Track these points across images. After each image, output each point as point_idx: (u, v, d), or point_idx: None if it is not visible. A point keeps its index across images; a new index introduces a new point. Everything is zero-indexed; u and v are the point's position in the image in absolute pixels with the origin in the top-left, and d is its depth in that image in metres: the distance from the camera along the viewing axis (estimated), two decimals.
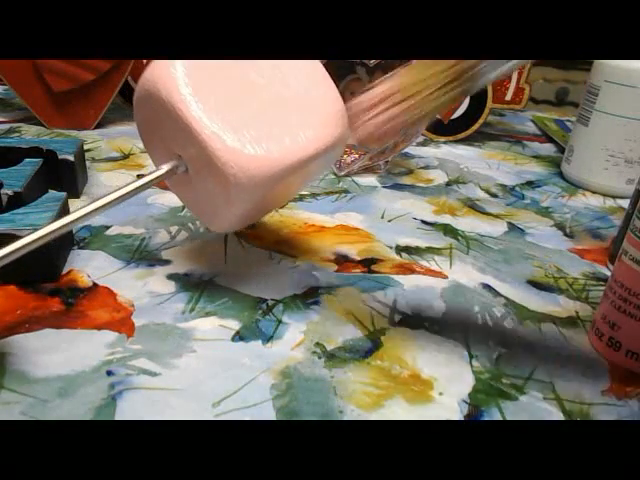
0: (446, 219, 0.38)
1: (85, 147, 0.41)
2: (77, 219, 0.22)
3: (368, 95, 0.22)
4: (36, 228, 0.21)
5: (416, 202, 0.41)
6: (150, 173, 0.24)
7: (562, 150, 0.55)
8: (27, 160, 0.32)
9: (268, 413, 0.20)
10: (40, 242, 0.21)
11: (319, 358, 0.23)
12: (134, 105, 0.25)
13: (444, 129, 0.57)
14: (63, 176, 0.35)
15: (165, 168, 0.24)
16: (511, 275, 0.31)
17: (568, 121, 0.70)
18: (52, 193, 0.29)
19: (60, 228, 0.21)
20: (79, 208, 0.22)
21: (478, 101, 0.55)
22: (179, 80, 0.22)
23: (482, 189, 0.45)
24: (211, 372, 0.22)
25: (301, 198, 0.39)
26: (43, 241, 0.21)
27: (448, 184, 0.45)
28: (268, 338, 0.24)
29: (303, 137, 0.24)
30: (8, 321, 0.24)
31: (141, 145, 0.27)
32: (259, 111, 0.23)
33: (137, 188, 0.23)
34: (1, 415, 0.19)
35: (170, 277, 0.28)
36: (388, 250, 0.33)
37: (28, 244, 0.20)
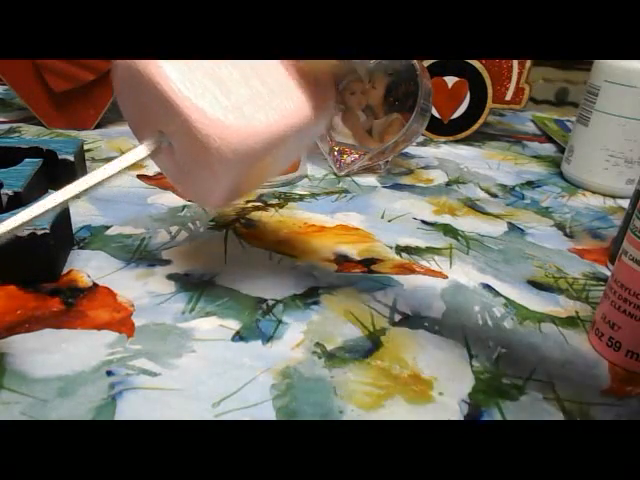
0: (446, 219, 0.38)
1: (85, 147, 0.41)
2: (70, 198, 0.22)
3: None
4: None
5: (416, 202, 0.41)
6: (130, 151, 0.23)
7: (562, 150, 0.55)
8: (27, 160, 0.32)
9: (268, 413, 0.20)
10: (26, 224, 0.21)
11: (319, 358, 0.23)
12: (113, 81, 0.24)
13: (444, 129, 0.57)
14: (63, 176, 0.35)
15: (146, 145, 0.23)
16: (511, 275, 0.31)
17: (568, 121, 0.70)
18: (52, 193, 0.28)
19: (56, 205, 0.21)
20: (68, 187, 0.22)
21: (478, 101, 0.55)
22: None
23: (482, 189, 0.45)
24: (211, 372, 0.22)
25: (301, 198, 0.39)
26: (27, 223, 0.21)
27: (448, 184, 0.45)
28: (268, 338, 0.24)
29: (287, 107, 0.23)
30: (8, 321, 0.24)
31: None
32: (241, 81, 0.22)
33: (119, 166, 0.23)
34: (1, 415, 0.19)
35: (170, 277, 0.28)
36: (388, 250, 0.33)
37: (18, 227, 0.20)
